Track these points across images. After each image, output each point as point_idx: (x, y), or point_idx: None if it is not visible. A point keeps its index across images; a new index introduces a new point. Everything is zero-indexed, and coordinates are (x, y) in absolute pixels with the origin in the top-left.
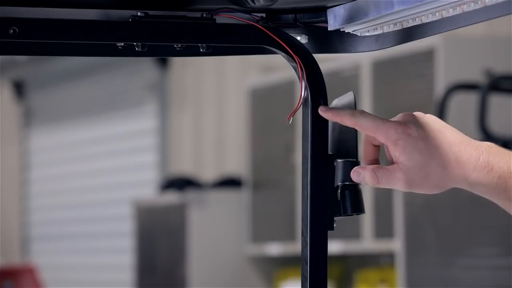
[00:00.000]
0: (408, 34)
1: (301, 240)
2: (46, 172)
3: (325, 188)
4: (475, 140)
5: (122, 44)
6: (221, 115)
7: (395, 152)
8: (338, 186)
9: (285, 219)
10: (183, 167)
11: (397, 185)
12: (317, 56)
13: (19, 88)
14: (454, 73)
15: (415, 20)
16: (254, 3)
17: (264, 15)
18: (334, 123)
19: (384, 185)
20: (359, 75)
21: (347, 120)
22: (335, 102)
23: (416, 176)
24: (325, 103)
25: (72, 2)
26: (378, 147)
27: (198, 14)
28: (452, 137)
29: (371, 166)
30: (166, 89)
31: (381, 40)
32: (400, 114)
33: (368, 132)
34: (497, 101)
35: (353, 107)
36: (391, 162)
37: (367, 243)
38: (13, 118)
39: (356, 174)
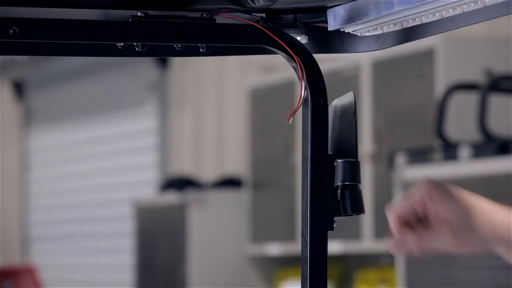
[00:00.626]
0: (408, 34)
1: (301, 240)
2: (46, 172)
3: (325, 188)
4: None
5: (122, 44)
6: (221, 115)
7: (433, 206)
8: (338, 186)
9: (285, 219)
10: (183, 167)
11: (444, 239)
12: (317, 56)
13: (19, 88)
14: (454, 73)
15: (415, 20)
16: (254, 3)
17: (264, 15)
18: (334, 123)
19: (430, 246)
20: (359, 75)
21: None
22: (335, 102)
23: (460, 225)
24: (325, 103)
25: (72, 2)
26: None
27: (198, 14)
28: (466, 194)
29: (410, 234)
30: (166, 89)
31: (381, 40)
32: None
33: (407, 207)
34: (497, 101)
35: (353, 107)
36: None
37: (367, 243)
38: (13, 118)
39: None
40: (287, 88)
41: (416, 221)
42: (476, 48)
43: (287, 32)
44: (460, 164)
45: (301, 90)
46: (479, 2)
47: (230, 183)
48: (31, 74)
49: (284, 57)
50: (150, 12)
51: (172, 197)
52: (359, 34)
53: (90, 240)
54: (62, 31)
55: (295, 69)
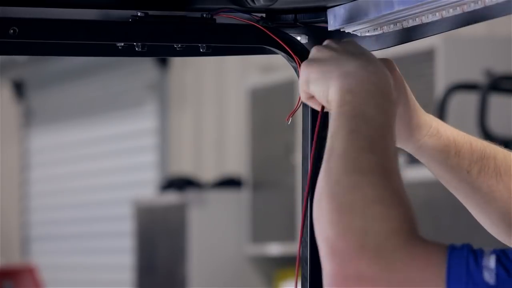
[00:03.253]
0: (408, 34)
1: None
2: (46, 172)
3: None
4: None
5: (122, 44)
6: (221, 115)
7: None
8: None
9: (285, 219)
10: (183, 167)
11: None
12: None
13: (19, 88)
14: (454, 73)
15: (415, 20)
16: (254, 3)
17: (264, 15)
18: None
19: None
20: None
21: None
22: None
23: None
24: None
25: (72, 2)
26: None
27: (198, 14)
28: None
29: None
30: (166, 89)
31: (381, 40)
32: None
33: None
34: (497, 101)
35: None
36: None
37: None
38: (13, 118)
39: None
40: (287, 88)
41: None
42: (476, 48)
43: (287, 32)
44: None
45: None
46: (479, 2)
47: (230, 183)
48: (31, 74)
49: (284, 57)
50: (150, 12)
51: (172, 197)
52: (359, 34)
53: (90, 240)
54: (62, 31)
55: (295, 69)
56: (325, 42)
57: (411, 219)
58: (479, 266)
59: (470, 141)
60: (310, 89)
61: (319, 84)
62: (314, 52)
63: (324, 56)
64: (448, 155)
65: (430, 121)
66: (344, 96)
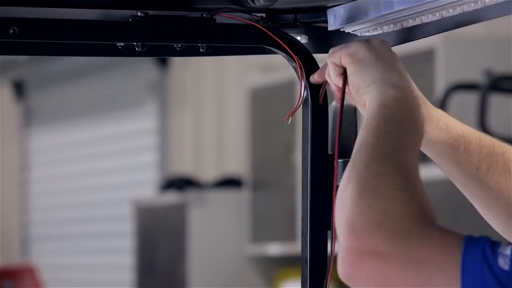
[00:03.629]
0: (408, 34)
1: (301, 240)
2: (46, 172)
3: (325, 188)
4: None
5: (122, 44)
6: (221, 115)
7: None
8: (338, 186)
9: (285, 219)
10: (183, 167)
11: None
12: (317, 56)
13: (19, 88)
14: (454, 73)
15: (415, 20)
16: (254, 3)
17: (264, 15)
18: (334, 123)
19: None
20: None
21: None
22: (335, 102)
23: None
24: (325, 103)
25: (72, 2)
26: None
27: (198, 14)
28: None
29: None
30: (166, 89)
31: None
32: None
33: None
34: (497, 101)
35: (353, 107)
36: None
37: None
38: (13, 118)
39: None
40: (287, 88)
41: None
42: (476, 48)
43: (287, 32)
44: None
45: (301, 90)
46: (479, 2)
47: (230, 183)
48: (31, 74)
49: (284, 57)
50: (150, 12)
51: (172, 197)
52: (359, 34)
53: (90, 240)
54: (62, 31)
55: (295, 69)
56: (382, 41)
57: (431, 210)
58: (495, 253)
59: (479, 137)
60: (351, 68)
61: (361, 75)
62: (378, 43)
63: (382, 55)
64: (457, 150)
65: (438, 115)
66: (388, 101)
